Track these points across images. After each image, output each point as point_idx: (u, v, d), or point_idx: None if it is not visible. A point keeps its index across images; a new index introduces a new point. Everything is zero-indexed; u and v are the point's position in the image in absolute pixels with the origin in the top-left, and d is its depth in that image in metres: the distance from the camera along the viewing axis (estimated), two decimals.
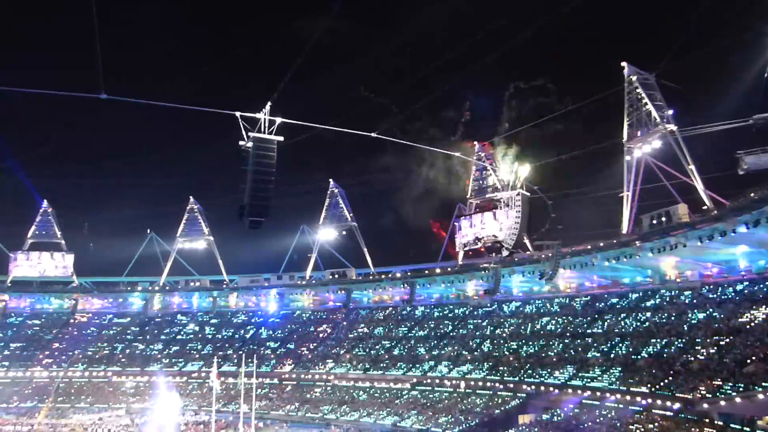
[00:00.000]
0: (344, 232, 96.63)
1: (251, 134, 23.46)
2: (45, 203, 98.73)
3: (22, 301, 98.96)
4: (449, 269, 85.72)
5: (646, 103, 60.83)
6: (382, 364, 76.92)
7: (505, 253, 72.31)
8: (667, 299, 60.55)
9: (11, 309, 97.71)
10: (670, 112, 60.01)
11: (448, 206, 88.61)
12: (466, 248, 77.87)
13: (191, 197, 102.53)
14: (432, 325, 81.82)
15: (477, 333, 75.63)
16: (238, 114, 23.88)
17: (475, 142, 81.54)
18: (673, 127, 59.05)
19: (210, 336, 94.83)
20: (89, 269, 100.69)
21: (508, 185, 70.94)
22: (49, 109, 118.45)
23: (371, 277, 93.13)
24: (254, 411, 45.02)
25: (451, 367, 70.40)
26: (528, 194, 67.97)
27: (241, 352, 72.23)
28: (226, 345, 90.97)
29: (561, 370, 59.30)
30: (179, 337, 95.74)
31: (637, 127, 62.42)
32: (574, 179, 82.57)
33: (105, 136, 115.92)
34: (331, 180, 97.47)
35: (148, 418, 64.20)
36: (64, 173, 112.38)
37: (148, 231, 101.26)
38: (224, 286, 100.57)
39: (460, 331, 77.85)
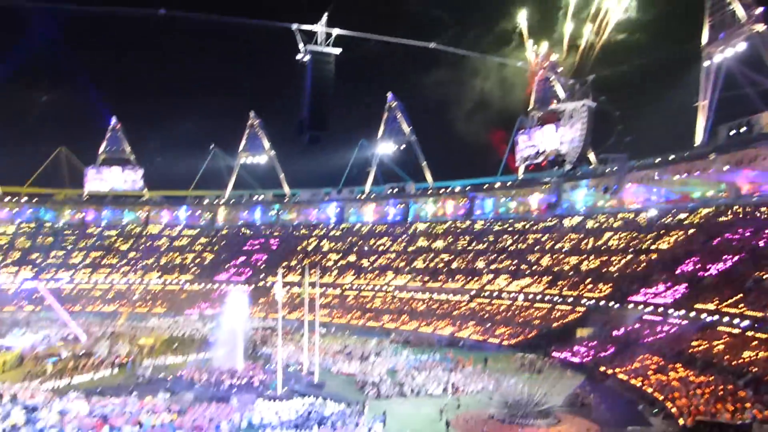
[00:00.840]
0: (403, 146, 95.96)
1: (309, 47, 22.87)
2: (114, 119, 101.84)
3: (97, 213, 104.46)
4: (509, 183, 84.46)
5: (730, 2, 55.71)
6: (440, 277, 78.13)
7: (567, 167, 70.28)
8: (741, 215, 57.75)
9: (89, 221, 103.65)
10: (759, 10, 54.54)
11: (508, 119, 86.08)
12: (527, 162, 76.00)
13: (252, 112, 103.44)
14: (491, 239, 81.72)
15: (537, 247, 75.11)
16: (294, 26, 23.24)
17: (538, 51, 77.65)
18: (761, 27, 53.94)
19: (274, 247, 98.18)
20: (159, 183, 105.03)
21: (573, 96, 67.75)
22: (119, 29, 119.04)
23: (430, 191, 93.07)
24: (317, 319, 46.95)
25: (510, 280, 70.76)
26: (593, 105, 64.72)
27: (303, 263, 74.69)
28: (290, 256, 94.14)
29: (623, 286, 58.55)
30: (245, 248, 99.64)
31: (719, 29, 57.52)
32: (645, 89, 78.05)
33: (169, 54, 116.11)
34: (389, 93, 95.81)
35: (218, 323, 68.32)
36: (131, 91, 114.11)
37: (212, 146, 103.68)
38: (286, 200, 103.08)
39: (520, 245, 77.50)
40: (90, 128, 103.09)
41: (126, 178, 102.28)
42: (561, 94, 75.39)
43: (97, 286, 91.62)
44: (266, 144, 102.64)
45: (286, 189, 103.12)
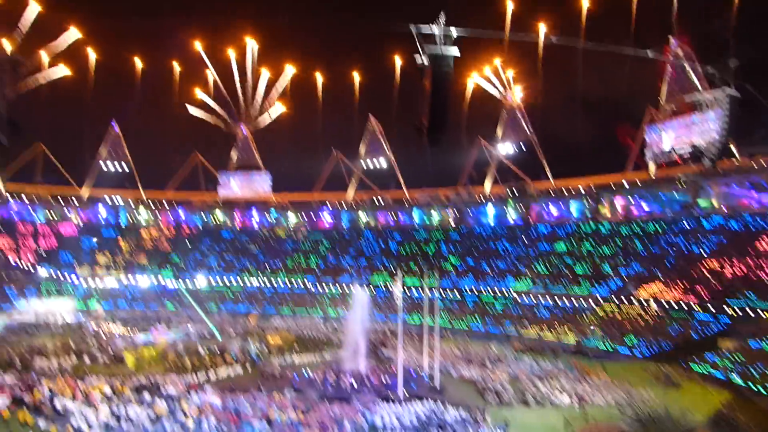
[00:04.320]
0: (522, 146, 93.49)
1: (427, 49, 22.62)
2: (243, 127, 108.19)
3: (230, 217, 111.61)
4: (638, 181, 79.37)
5: None
6: (564, 281, 74.98)
7: (706, 162, 64.58)
8: None
9: (222, 225, 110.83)
10: None
11: (636, 112, 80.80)
12: (659, 159, 70.95)
13: (370, 115, 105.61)
14: (619, 242, 77.19)
15: (672, 251, 69.87)
16: (412, 27, 23.08)
17: (670, 37, 72.26)
18: None
19: (394, 250, 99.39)
20: (284, 187, 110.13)
21: (712, 83, 62.16)
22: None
23: (551, 191, 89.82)
24: (437, 322, 46.77)
25: (641, 285, 66.36)
26: (737, 94, 58.88)
27: (423, 266, 74.93)
28: (409, 259, 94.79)
29: None
30: (366, 251, 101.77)
31: None
32: None
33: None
34: (509, 92, 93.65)
35: (341, 324, 70.30)
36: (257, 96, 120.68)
37: (333, 150, 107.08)
38: (405, 202, 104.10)
39: (652, 248, 72.48)
40: (223, 138, 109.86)
41: (255, 183, 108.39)
42: (697, 83, 69.64)
43: (231, 287, 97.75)
44: (386, 147, 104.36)
45: (405, 191, 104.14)
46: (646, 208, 78.06)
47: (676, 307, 60.31)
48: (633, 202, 79.13)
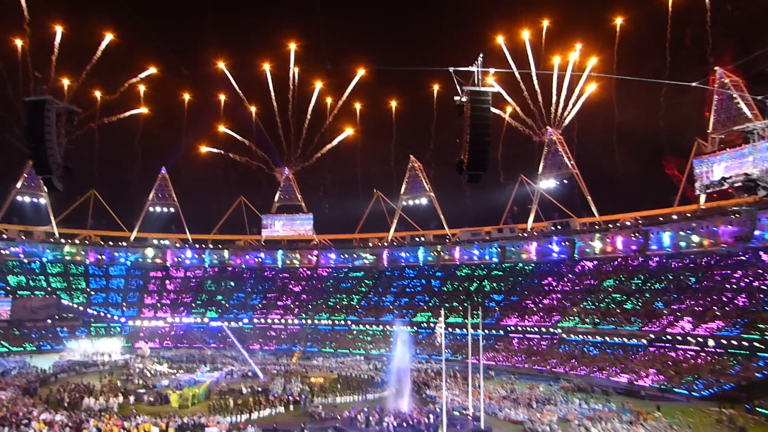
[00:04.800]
0: (564, 181, 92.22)
1: (465, 88, 22.75)
2: (287, 170, 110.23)
3: (273, 258, 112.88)
4: (688, 214, 76.93)
5: None
6: (613, 319, 72.50)
7: (761, 193, 62.21)
8: None
9: (266, 265, 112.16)
10: None
11: (683, 143, 78.91)
12: (709, 190, 68.82)
13: (411, 156, 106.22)
14: (670, 277, 74.46)
15: (727, 285, 66.90)
16: (451, 69, 23.34)
17: (716, 68, 70.92)
18: None
19: (436, 288, 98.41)
20: (326, 227, 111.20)
21: (763, 112, 60.44)
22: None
23: (597, 226, 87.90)
24: (482, 362, 45.66)
25: (696, 323, 63.54)
26: None
27: (466, 304, 73.74)
28: (452, 297, 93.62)
29: None
30: (407, 289, 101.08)
31: None
32: None
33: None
34: (548, 127, 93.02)
35: (384, 363, 69.40)
36: (299, 140, 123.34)
37: (375, 190, 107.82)
38: (446, 240, 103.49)
39: (705, 283, 69.64)
40: (265, 178, 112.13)
41: (298, 224, 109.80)
42: (747, 112, 67.84)
43: (273, 326, 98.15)
44: (426, 185, 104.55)
45: (447, 229, 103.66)
46: (698, 241, 75.34)
47: (736, 344, 57.36)
48: (683, 235, 76.51)
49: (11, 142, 71.81)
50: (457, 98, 23.12)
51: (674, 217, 78.54)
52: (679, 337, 63.13)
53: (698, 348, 60.66)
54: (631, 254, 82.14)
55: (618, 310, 73.49)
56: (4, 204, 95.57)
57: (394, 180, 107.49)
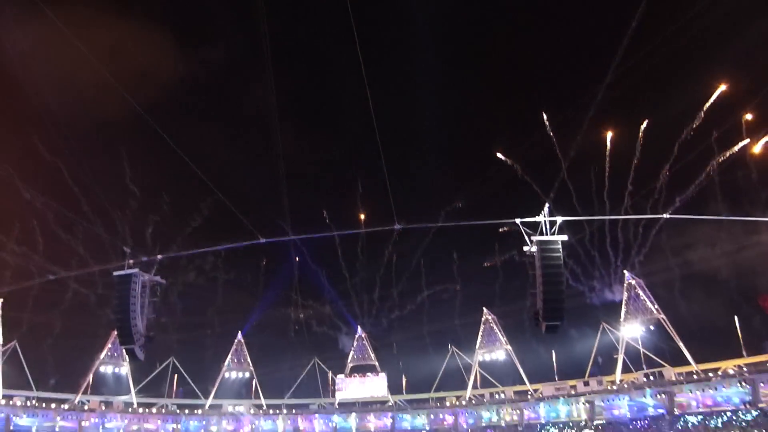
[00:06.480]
0: (651, 327, 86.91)
1: (534, 238, 22.61)
2: (360, 330, 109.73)
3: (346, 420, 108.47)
4: None
5: None
6: None
7: None
8: None
9: (340, 429, 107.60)
10: None
11: None
12: None
13: (484, 308, 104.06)
14: None
15: None
16: (518, 221, 23.51)
17: None
18: None
19: None
20: (401, 387, 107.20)
21: None
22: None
23: (696, 376, 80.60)
24: None
25: None
26: None
27: None
28: None
29: None
30: None
31: None
32: None
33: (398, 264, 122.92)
34: (626, 272, 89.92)
35: None
36: (370, 300, 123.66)
37: (449, 346, 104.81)
38: (529, 396, 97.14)
39: None
40: (338, 338, 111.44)
41: (373, 384, 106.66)
42: None
43: None
44: (502, 338, 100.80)
45: (528, 384, 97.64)
46: None
47: None
48: None
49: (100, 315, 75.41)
50: (526, 248, 22.93)
51: None
52: None
53: None
54: (741, 407, 73.89)
55: None
56: (89, 374, 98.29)
57: (460, 333, 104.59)
